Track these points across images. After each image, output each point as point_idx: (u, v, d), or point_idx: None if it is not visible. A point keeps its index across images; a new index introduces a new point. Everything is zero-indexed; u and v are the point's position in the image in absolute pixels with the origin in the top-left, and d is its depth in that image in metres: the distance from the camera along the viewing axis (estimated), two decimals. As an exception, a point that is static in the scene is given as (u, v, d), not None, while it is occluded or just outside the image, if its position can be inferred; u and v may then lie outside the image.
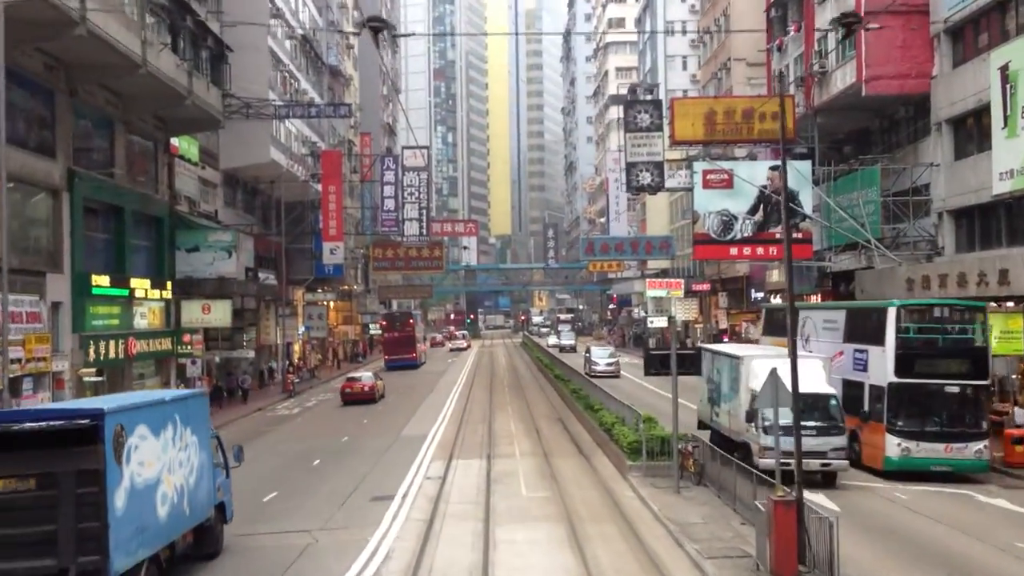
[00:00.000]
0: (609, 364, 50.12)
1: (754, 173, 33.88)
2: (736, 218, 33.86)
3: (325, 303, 65.93)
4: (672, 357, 19.36)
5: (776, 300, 44.42)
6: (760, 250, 34.13)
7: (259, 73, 49.14)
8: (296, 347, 61.50)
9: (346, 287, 74.07)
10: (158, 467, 13.51)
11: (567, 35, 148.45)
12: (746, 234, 34.01)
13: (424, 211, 62.06)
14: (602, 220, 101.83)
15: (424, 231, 62.45)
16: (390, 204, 63.05)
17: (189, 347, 37.51)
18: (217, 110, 39.56)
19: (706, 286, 55.15)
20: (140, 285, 33.52)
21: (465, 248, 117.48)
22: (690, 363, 19.74)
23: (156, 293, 34.98)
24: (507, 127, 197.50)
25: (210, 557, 15.94)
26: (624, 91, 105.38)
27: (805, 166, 34.02)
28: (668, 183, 39.27)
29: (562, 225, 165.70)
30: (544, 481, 22.15)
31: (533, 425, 32.68)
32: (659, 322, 76.26)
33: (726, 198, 33.81)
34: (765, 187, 33.62)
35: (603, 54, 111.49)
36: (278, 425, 35.71)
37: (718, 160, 34.16)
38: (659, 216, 78.31)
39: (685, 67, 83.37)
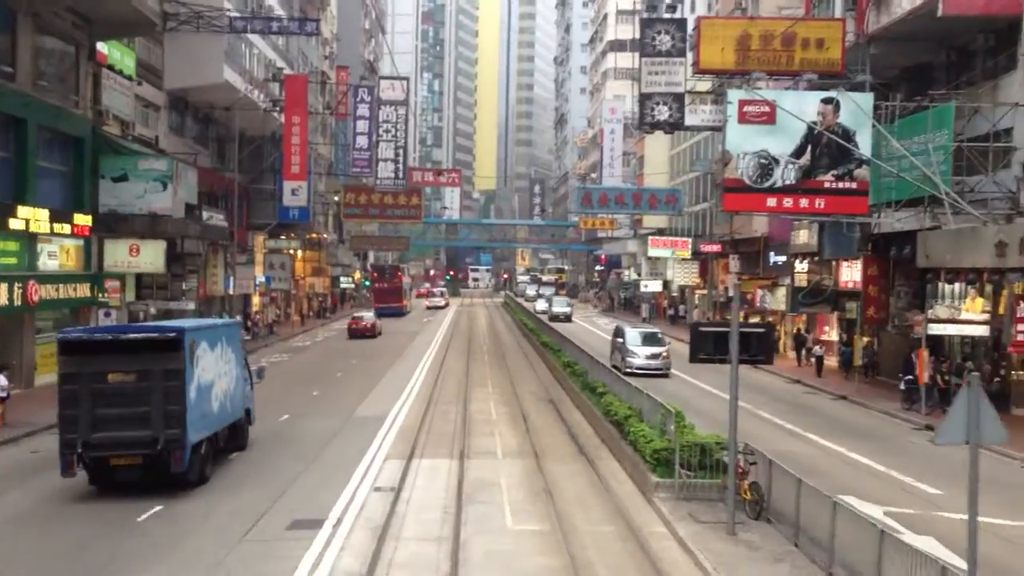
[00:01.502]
0: (653, 356, 33.91)
1: (802, 106, 27.53)
2: (777, 161, 27.49)
3: (290, 251, 59.38)
4: (732, 337, 13.22)
5: (803, 265, 38.42)
6: (804, 202, 27.80)
7: (212, -23, 42.19)
8: (255, 300, 55.10)
9: (314, 235, 67.48)
10: (212, 373, 17.61)
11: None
12: (788, 181, 27.71)
13: (401, 151, 55.26)
14: (594, 176, 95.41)
15: (400, 174, 55.70)
16: (363, 141, 56.13)
17: (106, 295, 31.11)
18: (151, 10, 32.79)
19: (716, 247, 48.93)
20: (30, 216, 26.89)
21: (444, 208, 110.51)
22: (758, 345, 13.53)
23: (53, 226, 28.31)
24: (496, 77, 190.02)
25: (240, 449, 19.77)
26: (624, 36, 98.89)
27: (866, 100, 27.71)
28: (689, 120, 32.86)
29: (549, 182, 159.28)
30: (537, 503, 15.99)
31: (519, 408, 26.57)
32: (653, 285, 70.55)
33: (766, 136, 27.46)
34: (815, 124, 27.35)
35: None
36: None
37: (758, 88, 27.82)
38: (658, 171, 71.92)
39: (694, 8, 76.43)
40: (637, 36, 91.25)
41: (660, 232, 68.60)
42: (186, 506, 15.62)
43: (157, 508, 15.33)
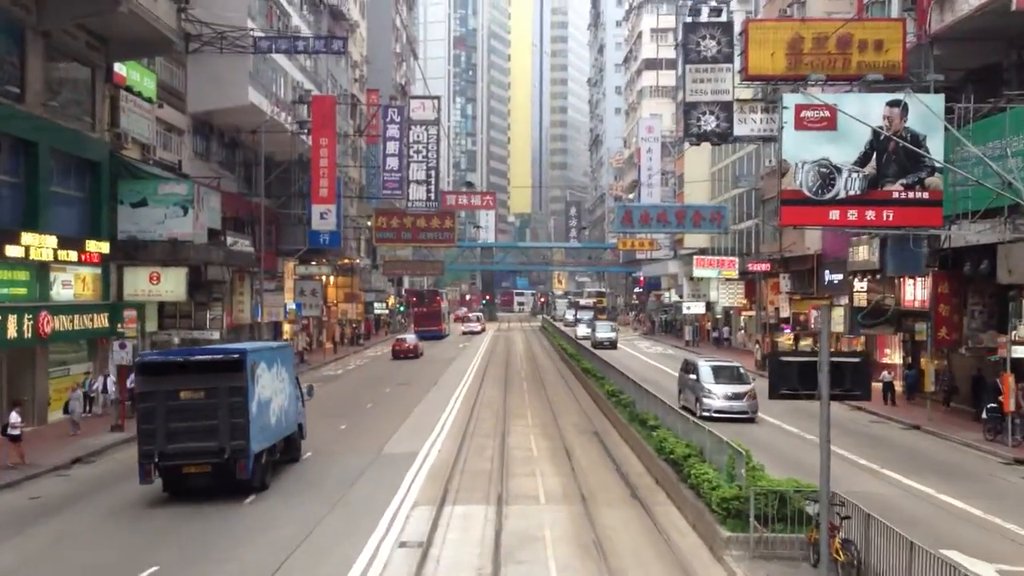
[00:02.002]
0: (735, 396, 27.96)
1: (866, 110, 25.21)
2: (839, 170, 25.16)
3: (320, 277, 57.83)
4: (822, 369, 11.02)
5: (862, 283, 35.95)
6: (871, 214, 25.44)
7: (237, -2, 41.03)
8: (286, 327, 53.52)
9: (346, 260, 65.99)
10: (270, 391, 19.31)
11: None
12: (852, 192, 25.39)
13: (433, 172, 53.50)
14: (631, 196, 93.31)
15: (433, 196, 53.93)
16: (393, 163, 54.45)
17: (123, 325, 29.48)
18: (169, 27, 31.31)
19: (765, 266, 46.44)
20: (33, 242, 25.32)
21: (478, 228, 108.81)
22: (852, 378, 11.30)
23: (58, 254, 26.74)
24: (529, 101, 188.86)
25: (294, 460, 21.20)
26: (660, 55, 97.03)
27: (936, 102, 25.38)
28: (738, 130, 30.70)
29: (585, 204, 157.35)
30: (587, 561, 13.76)
31: (561, 442, 24.40)
32: (696, 307, 68.05)
33: (826, 143, 25.16)
34: (881, 129, 25.04)
35: (636, 15, 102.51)
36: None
37: (813, 90, 25.56)
38: (699, 189, 69.53)
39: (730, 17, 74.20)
40: (672, 55, 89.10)
41: (703, 252, 66.18)
42: (184, 568, 13.66)
43: (152, 570, 13.40)
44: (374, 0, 77.60)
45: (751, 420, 27.84)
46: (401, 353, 54.11)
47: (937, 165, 24.94)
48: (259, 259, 42.82)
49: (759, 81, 30.11)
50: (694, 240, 69.67)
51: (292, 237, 52.13)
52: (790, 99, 25.33)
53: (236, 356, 17.92)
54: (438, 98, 52.92)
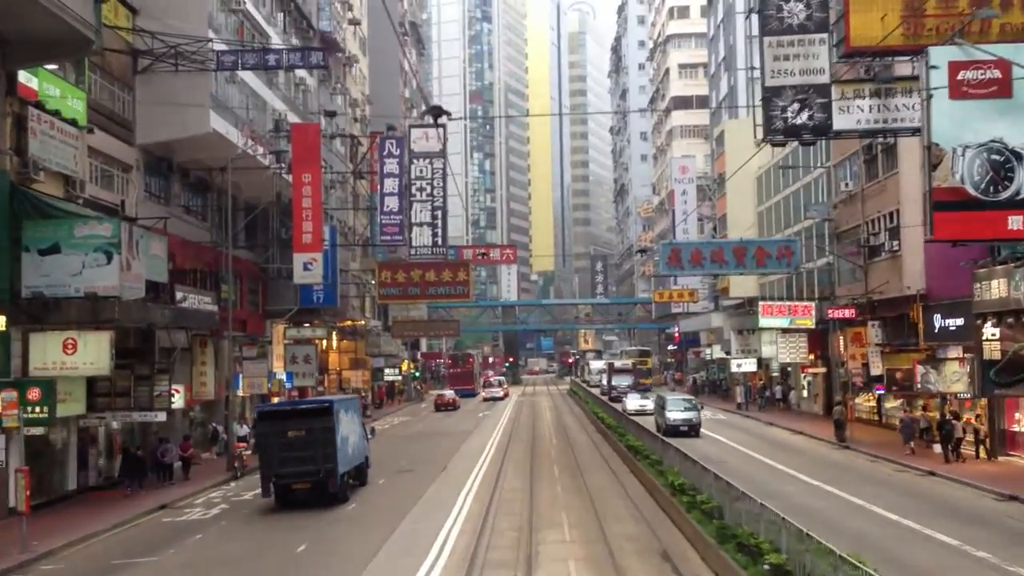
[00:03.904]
0: None
1: (1055, 66, 17.38)
2: (1019, 157, 17.21)
3: (318, 341, 49.89)
4: None
5: (995, 330, 27.34)
6: (1072, 220, 17.27)
7: (197, 5, 34.07)
8: (274, 401, 45.47)
9: (349, 322, 58.18)
10: (347, 430, 25.77)
11: (617, 43, 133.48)
12: (1041, 188, 17.34)
13: (439, 213, 45.61)
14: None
15: (440, 240, 46.00)
16: (392, 203, 46.57)
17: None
18: (81, 19, 23.80)
19: (850, 312, 37.79)
20: None
21: (487, 258, 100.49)
22: None
23: None
24: (549, 155, 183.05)
25: (362, 484, 27.43)
26: (689, 92, 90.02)
27: None
28: (839, 123, 22.63)
29: (611, 259, 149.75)
30: None
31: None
32: (747, 364, 59.44)
33: (998, 117, 17.18)
34: (1082, 92, 17.03)
35: (662, 52, 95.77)
36: (142, 556, 19.33)
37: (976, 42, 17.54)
38: (743, 231, 61.23)
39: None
40: (703, 91, 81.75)
41: (750, 302, 57.83)
42: None
43: None
44: (379, 40, 71.22)
45: None
46: (443, 406, 64.11)
47: None
48: (226, 320, 34.87)
49: (865, 56, 22.19)
50: (741, 288, 61.39)
51: (282, 296, 44.68)
52: (941, 53, 17.37)
53: (327, 405, 24.96)
54: (443, 126, 45.75)
